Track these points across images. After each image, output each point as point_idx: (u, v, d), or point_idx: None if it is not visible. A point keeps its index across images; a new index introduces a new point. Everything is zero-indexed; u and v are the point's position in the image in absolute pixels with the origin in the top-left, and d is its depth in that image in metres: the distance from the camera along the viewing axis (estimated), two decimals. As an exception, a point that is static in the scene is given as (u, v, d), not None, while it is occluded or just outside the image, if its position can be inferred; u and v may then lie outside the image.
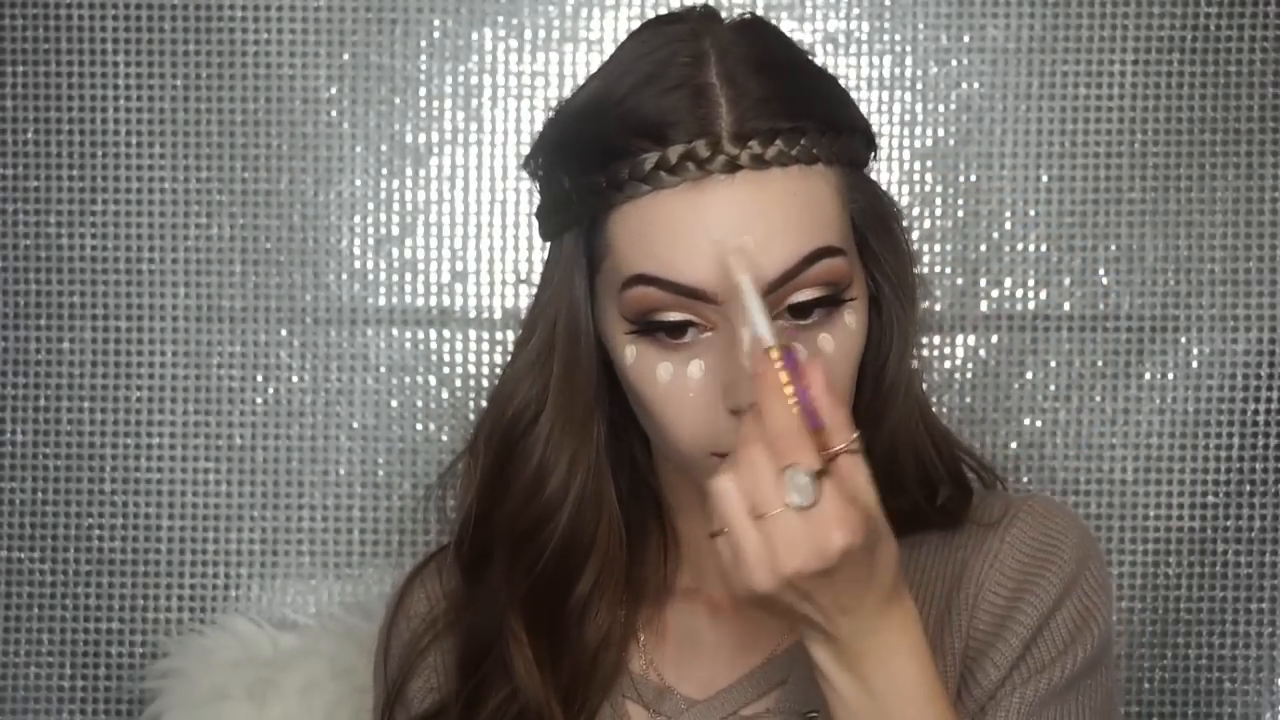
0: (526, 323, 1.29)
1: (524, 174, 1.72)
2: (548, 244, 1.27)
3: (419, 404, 1.74)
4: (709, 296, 1.17)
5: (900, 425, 1.27)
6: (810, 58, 1.26)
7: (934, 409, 1.34)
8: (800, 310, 1.18)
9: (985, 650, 1.25)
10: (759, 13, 1.69)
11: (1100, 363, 1.72)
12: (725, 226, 1.17)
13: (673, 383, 1.19)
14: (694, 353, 1.18)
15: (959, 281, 1.72)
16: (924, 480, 1.29)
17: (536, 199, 1.71)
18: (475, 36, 1.73)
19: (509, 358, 1.33)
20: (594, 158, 1.21)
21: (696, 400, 1.18)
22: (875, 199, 1.25)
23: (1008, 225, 1.72)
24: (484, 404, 1.71)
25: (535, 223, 1.57)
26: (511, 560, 1.28)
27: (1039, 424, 1.72)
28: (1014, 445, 1.72)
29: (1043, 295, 1.72)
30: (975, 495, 1.31)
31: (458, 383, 1.73)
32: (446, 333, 1.74)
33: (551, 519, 1.27)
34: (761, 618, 1.28)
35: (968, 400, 1.72)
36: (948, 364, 1.71)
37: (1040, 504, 1.29)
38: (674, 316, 1.18)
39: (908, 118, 1.72)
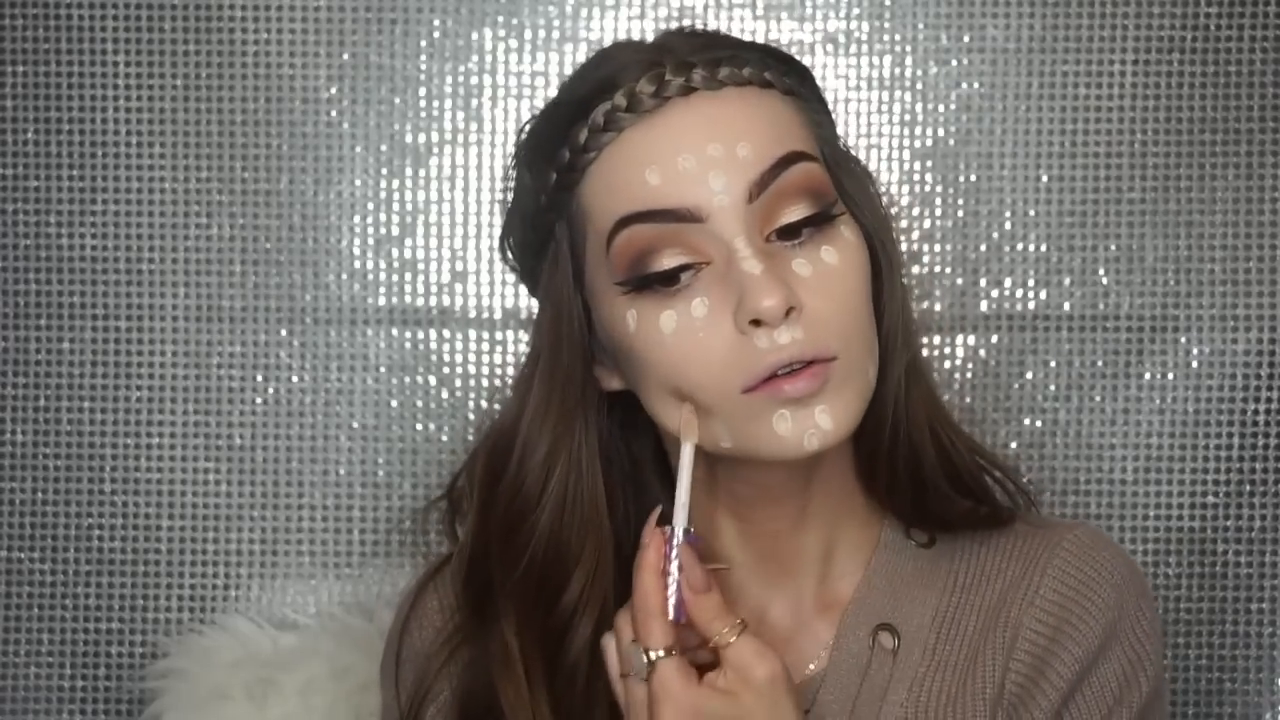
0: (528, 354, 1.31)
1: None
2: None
3: (419, 404, 1.74)
4: (693, 214, 1.16)
5: (906, 385, 1.26)
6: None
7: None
8: (791, 231, 1.18)
9: (1026, 699, 1.24)
10: (759, 13, 1.71)
11: (1100, 363, 1.72)
12: (692, 139, 1.17)
13: (679, 329, 1.17)
14: (694, 293, 1.17)
15: (959, 281, 1.72)
16: (951, 476, 1.28)
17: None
18: (475, 36, 1.73)
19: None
20: (554, 139, 1.22)
21: (709, 338, 1.17)
22: (839, 144, 1.26)
23: (1008, 225, 1.72)
24: (483, 404, 1.72)
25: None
26: (501, 561, 1.26)
27: (1039, 424, 1.72)
28: (1014, 445, 1.72)
29: (1043, 295, 1.72)
30: (1018, 516, 1.30)
31: (458, 383, 1.73)
32: (446, 333, 1.74)
33: (529, 515, 1.25)
34: (785, 640, 1.27)
35: (968, 400, 1.72)
36: (948, 364, 1.71)
37: (1086, 536, 1.28)
38: (666, 263, 1.17)
39: (908, 118, 1.72)
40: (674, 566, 1.13)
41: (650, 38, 1.29)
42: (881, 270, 1.25)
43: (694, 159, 1.17)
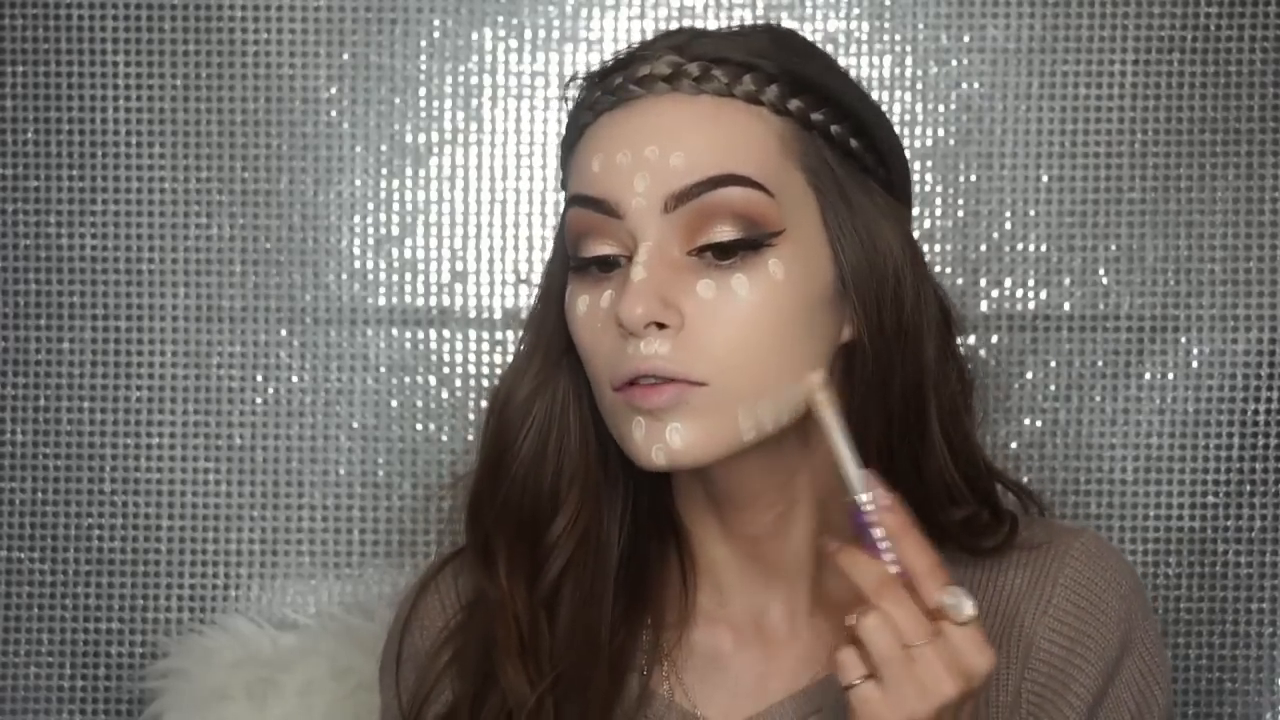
0: None
1: (524, 174, 1.75)
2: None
3: (419, 404, 1.74)
4: (614, 210, 1.17)
5: (915, 407, 1.24)
6: (827, 55, 1.27)
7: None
8: (724, 251, 1.17)
9: (1048, 708, 1.24)
10: (759, 13, 1.71)
11: (1100, 363, 1.72)
12: (637, 138, 1.18)
13: (587, 314, 1.20)
14: (609, 284, 1.19)
15: (959, 281, 1.72)
16: (950, 494, 1.27)
17: (537, 199, 1.73)
18: (475, 36, 1.73)
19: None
20: (571, 112, 1.24)
21: (602, 331, 1.19)
22: (847, 173, 1.22)
23: (1008, 225, 1.72)
24: (483, 404, 1.72)
25: (535, 222, 1.55)
26: (490, 498, 1.28)
27: (1039, 424, 1.72)
28: (1014, 445, 1.72)
29: (1043, 295, 1.72)
30: (1021, 523, 1.28)
31: (458, 383, 1.73)
32: (446, 333, 1.74)
33: (509, 455, 1.27)
34: (785, 644, 1.27)
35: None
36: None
37: (1092, 543, 1.27)
38: (594, 249, 1.19)
39: (908, 118, 1.72)
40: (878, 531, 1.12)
41: (649, 38, 1.28)
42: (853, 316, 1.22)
43: (630, 157, 1.17)
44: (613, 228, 1.18)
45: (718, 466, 1.20)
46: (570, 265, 1.22)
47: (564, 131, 1.26)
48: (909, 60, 1.72)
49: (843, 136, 1.22)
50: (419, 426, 1.74)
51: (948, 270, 1.72)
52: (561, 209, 1.26)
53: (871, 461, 1.23)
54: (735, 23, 1.71)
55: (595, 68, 1.25)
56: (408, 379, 1.74)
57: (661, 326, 1.16)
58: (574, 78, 1.26)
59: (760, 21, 1.70)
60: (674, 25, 1.69)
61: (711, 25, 1.69)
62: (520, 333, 1.32)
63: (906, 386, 1.23)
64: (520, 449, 1.27)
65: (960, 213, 1.72)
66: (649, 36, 1.41)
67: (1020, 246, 1.72)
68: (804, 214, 1.19)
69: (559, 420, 1.27)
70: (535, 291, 1.30)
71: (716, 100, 1.19)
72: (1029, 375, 1.72)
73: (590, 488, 1.27)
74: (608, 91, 1.20)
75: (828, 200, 1.20)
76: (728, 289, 1.16)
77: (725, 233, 1.17)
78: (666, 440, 1.16)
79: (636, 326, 1.15)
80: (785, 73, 1.20)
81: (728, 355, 1.16)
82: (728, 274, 1.17)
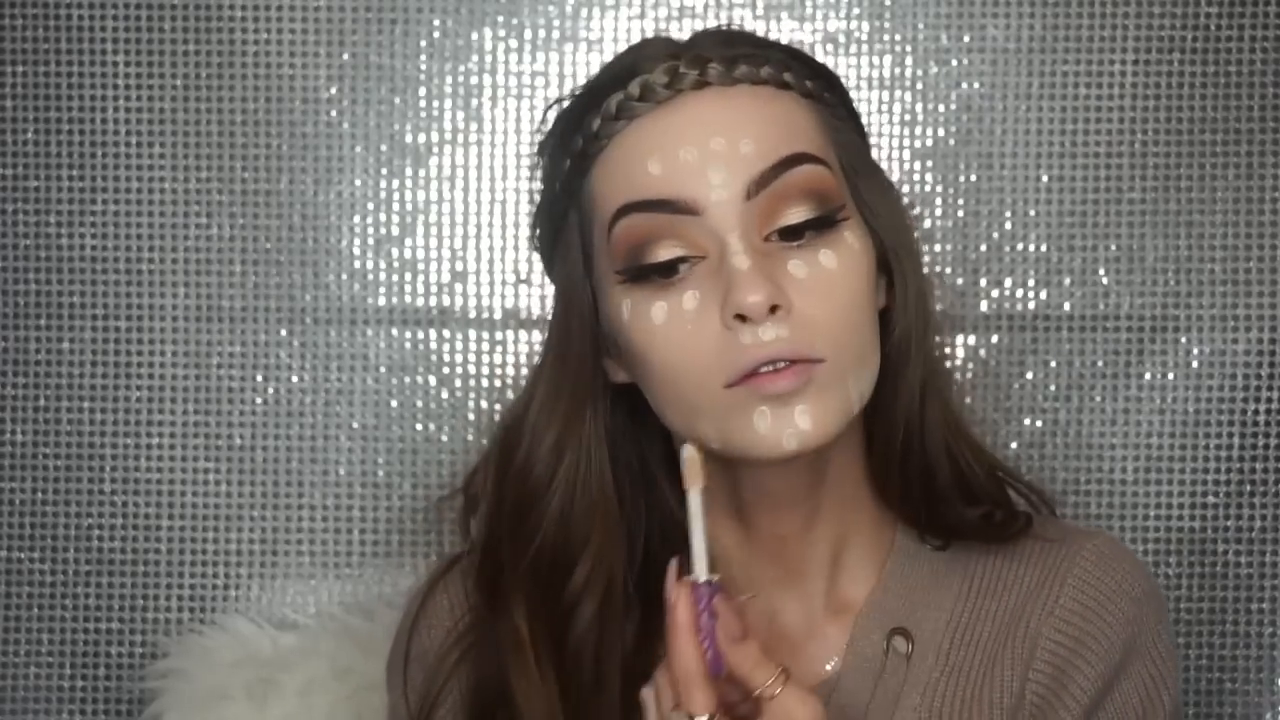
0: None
1: (524, 173, 1.75)
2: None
3: (419, 404, 1.74)
4: (690, 207, 1.16)
5: (922, 399, 1.24)
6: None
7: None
8: (793, 232, 1.17)
9: (1047, 711, 1.24)
10: (759, 13, 1.71)
11: (1100, 363, 1.72)
12: (697, 132, 1.17)
13: (669, 321, 1.17)
14: (687, 285, 1.17)
15: (959, 281, 1.72)
16: (964, 490, 1.27)
17: (538, 200, 1.72)
18: (475, 36, 1.73)
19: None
20: (571, 127, 1.22)
21: (696, 332, 1.16)
22: (862, 151, 1.24)
23: (1008, 225, 1.72)
24: (483, 404, 1.72)
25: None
26: (512, 548, 1.26)
27: (1039, 424, 1.72)
28: (1014, 445, 1.72)
29: (1043, 295, 1.72)
30: (1035, 521, 1.29)
31: (458, 383, 1.73)
32: (446, 333, 1.74)
33: (539, 500, 1.25)
34: (799, 644, 1.27)
35: (968, 400, 1.72)
36: (948, 364, 1.71)
37: (1105, 546, 1.27)
38: (662, 254, 1.17)
39: (908, 118, 1.72)
40: (704, 619, 1.11)
41: (650, 37, 1.29)
42: (894, 283, 1.24)
43: (696, 152, 1.16)
44: (683, 226, 1.17)
45: (770, 464, 1.19)
46: (623, 277, 1.19)
47: (572, 151, 1.23)
48: (909, 60, 1.72)
49: (845, 116, 1.24)
50: (419, 426, 1.74)
51: (948, 270, 1.72)
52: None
53: (892, 448, 1.24)
54: (736, 23, 1.71)
55: (592, 79, 1.24)
56: (408, 379, 1.74)
57: (773, 310, 1.15)
58: (559, 100, 1.25)
59: (759, 22, 1.70)
60: (673, 25, 1.69)
61: (710, 25, 1.69)
62: (535, 340, 1.30)
63: (923, 360, 1.25)
64: (550, 501, 1.25)
65: (960, 213, 1.72)
66: (649, 36, 1.41)
67: (1020, 246, 1.72)
68: (846, 189, 1.21)
69: (585, 458, 1.25)
70: (551, 316, 1.28)
71: (752, 89, 1.19)
72: (1029, 375, 1.72)
73: (612, 522, 1.25)
74: (632, 98, 1.19)
75: (859, 175, 1.22)
76: (817, 265, 1.17)
77: (799, 213, 1.17)
78: (796, 423, 1.15)
79: (760, 312, 1.14)
80: (794, 58, 1.22)
81: (838, 328, 1.16)
82: (811, 251, 1.17)
